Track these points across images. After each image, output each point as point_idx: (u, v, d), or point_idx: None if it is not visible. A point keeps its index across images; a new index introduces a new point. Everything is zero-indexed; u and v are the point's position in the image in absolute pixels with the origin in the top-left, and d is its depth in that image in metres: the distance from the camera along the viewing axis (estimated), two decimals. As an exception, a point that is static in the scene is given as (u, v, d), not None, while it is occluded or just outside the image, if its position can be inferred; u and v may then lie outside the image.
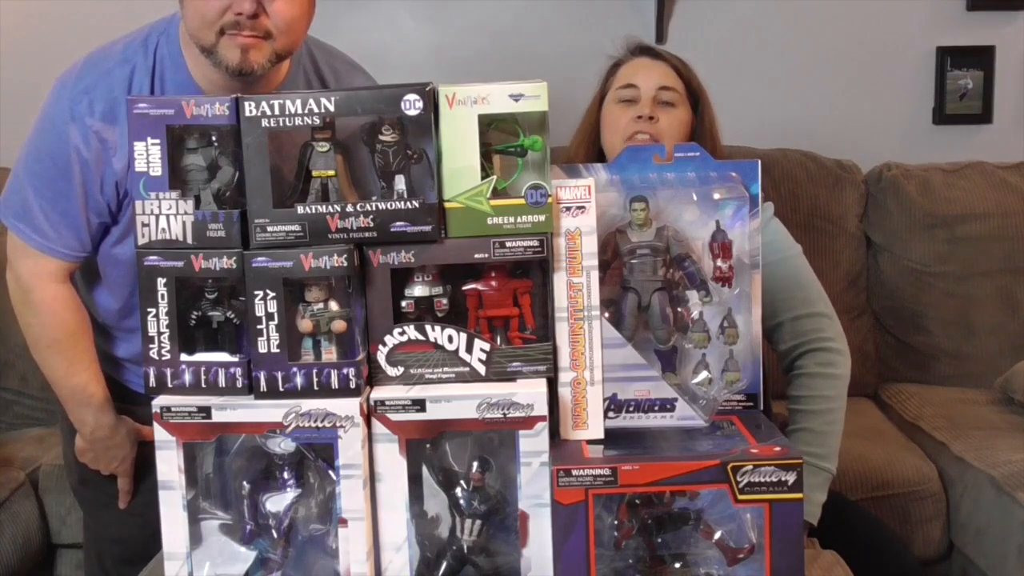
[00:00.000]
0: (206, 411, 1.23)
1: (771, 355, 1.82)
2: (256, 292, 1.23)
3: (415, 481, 1.27)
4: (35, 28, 2.98)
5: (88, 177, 1.68)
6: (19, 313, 1.81)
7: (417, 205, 1.23)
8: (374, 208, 1.23)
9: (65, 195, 1.69)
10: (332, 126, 1.27)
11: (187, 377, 1.26)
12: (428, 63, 3.10)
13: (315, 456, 1.28)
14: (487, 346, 1.26)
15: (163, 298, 1.25)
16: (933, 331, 2.88)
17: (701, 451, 1.24)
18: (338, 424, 1.22)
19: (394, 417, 1.23)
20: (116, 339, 1.89)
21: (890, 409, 2.80)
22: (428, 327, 1.26)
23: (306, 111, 1.23)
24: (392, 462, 1.24)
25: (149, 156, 1.25)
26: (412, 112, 1.23)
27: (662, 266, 1.33)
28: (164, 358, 1.26)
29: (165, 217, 1.25)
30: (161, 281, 1.25)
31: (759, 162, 1.35)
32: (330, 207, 1.23)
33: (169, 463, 1.24)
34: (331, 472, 1.26)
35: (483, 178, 1.24)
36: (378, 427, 1.24)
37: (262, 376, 1.24)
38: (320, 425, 1.22)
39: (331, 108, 1.23)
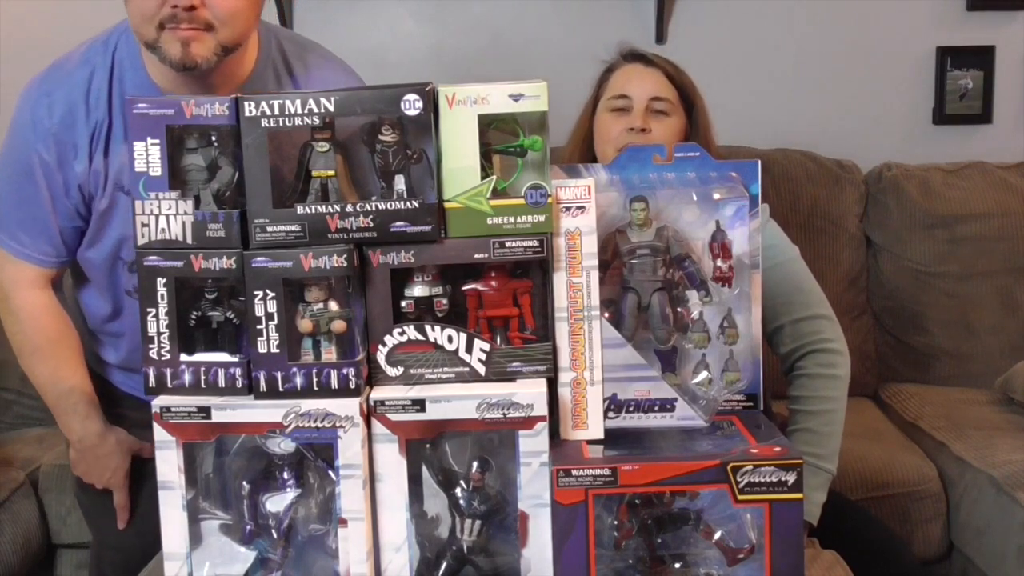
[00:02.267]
0: (206, 411, 1.23)
1: (771, 355, 1.82)
2: (256, 292, 1.23)
3: (415, 481, 1.27)
4: (32, 30, 2.98)
5: (52, 181, 1.67)
6: (3, 321, 1.80)
7: (417, 205, 1.23)
8: (374, 208, 1.23)
9: (33, 200, 1.69)
10: (332, 126, 1.27)
11: (187, 377, 1.26)
12: (428, 63, 3.10)
13: (315, 456, 1.28)
14: (487, 346, 1.26)
15: (163, 298, 1.25)
16: (933, 331, 2.88)
17: (701, 451, 1.24)
18: (338, 424, 1.22)
19: (394, 417, 1.23)
20: (103, 343, 1.89)
21: (890, 409, 2.80)
22: (428, 327, 1.26)
23: (306, 111, 1.23)
24: (392, 462, 1.24)
25: (149, 156, 1.25)
26: (412, 112, 1.23)
27: (662, 266, 1.32)
28: (164, 358, 1.26)
29: (165, 217, 1.25)
30: (161, 281, 1.25)
31: (759, 162, 1.35)
32: (330, 207, 1.23)
33: (169, 463, 1.24)
34: (331, 472, 1.26)
35: (483, 178, 1.24)
36: (378, 427, 1.24)
37: (262, 376, 1.24)
38: (320, 425, 1.22)
39: (331, 108, 1.23)
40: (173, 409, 1.24)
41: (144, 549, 1.65)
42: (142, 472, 1.88)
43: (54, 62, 1.71)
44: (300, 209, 1.23)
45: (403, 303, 1.27)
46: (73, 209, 1.70)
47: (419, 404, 1.23)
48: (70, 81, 1.67)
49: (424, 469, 1.28)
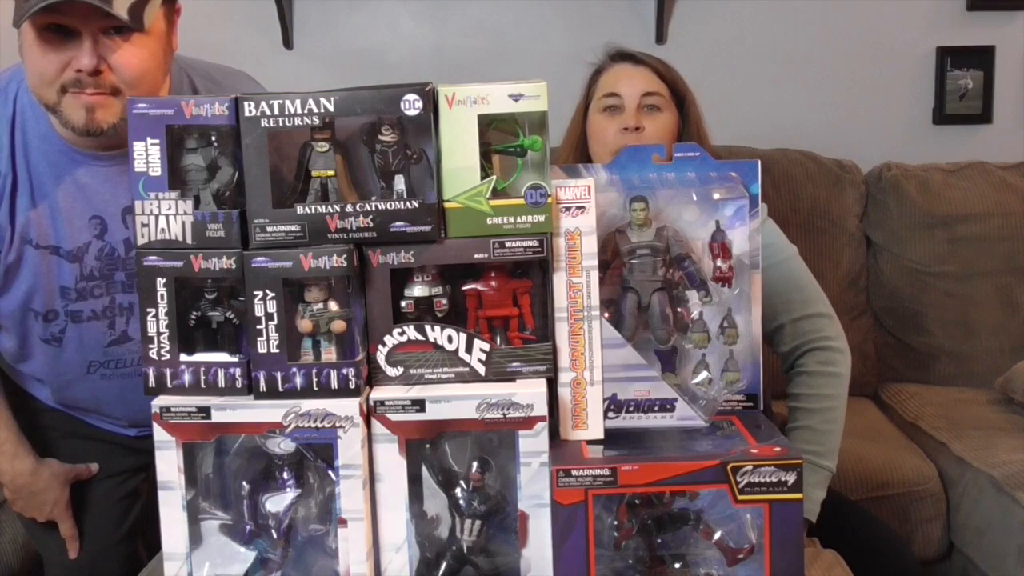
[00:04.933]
0: (206, 411, 1.23)
1: (771, 355, 1.82)
2: (256, 292, 1.23)
3: (415, 481, 1.27)
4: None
5: None
6: None
7: (417, 205, 1.23)
8: (374, 208, 1.23)
9: None
10: (332, 126, 1.27)
11: (187, 377, 1.26)
12: (428, 63, 3.10)
13: (315, 456, 1.28)
14: (487, 346, 1.26)
15: (162, 298, 1.25)
16: (933, 331, 2.88)
17: (701, 451, 1.24)
18: (338, 424, 1.22)
19: (394, 417, 1.23)
20: (28, 383, 1.85)
21: (890, 409, 2.80)
22: (428, 327, 1.26)
23: (306, 111, 1.23)
24: (392, 462, 1.24)
25: (148, 156, 1.25)
26: (412, 112, 1.23)
27: (662, 266, 1.32)
28: (164, 358, 1.26)
29: (164, 217, 1.25)
30: (160, 281, 1.25)
31: (759, 162, 1.35)
32: (330, 207, 1.23)
33: (169, 463, 1.24)
34: (331, 472, 1.26)
35: (483, 178, 1.24)
36: (378, 427, 1.24)
37: (262, 376, 1.24)
38: (320, 425, 1.22)
39: (331, 108, 1.23)
40: (173, 409, 1.24)
41: (94, 568, 1.63)
42: (84, 495, 1.85)
43: None
44: (300, 209, 1.23)
45: (403, 303, 1.27)
46: None
47: (419, 404, 1.23)
48: None
49: (424, 469, 1.28)
